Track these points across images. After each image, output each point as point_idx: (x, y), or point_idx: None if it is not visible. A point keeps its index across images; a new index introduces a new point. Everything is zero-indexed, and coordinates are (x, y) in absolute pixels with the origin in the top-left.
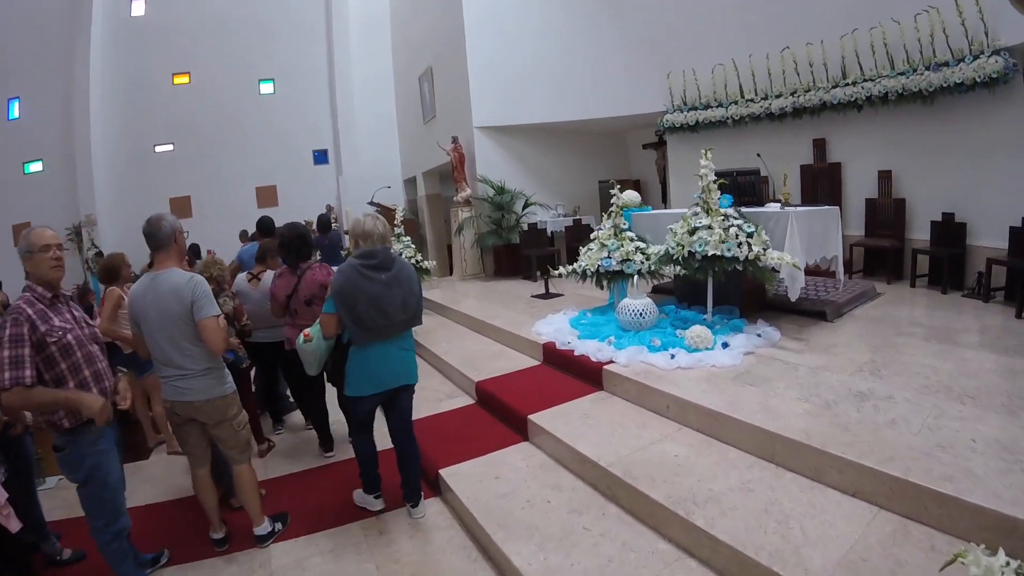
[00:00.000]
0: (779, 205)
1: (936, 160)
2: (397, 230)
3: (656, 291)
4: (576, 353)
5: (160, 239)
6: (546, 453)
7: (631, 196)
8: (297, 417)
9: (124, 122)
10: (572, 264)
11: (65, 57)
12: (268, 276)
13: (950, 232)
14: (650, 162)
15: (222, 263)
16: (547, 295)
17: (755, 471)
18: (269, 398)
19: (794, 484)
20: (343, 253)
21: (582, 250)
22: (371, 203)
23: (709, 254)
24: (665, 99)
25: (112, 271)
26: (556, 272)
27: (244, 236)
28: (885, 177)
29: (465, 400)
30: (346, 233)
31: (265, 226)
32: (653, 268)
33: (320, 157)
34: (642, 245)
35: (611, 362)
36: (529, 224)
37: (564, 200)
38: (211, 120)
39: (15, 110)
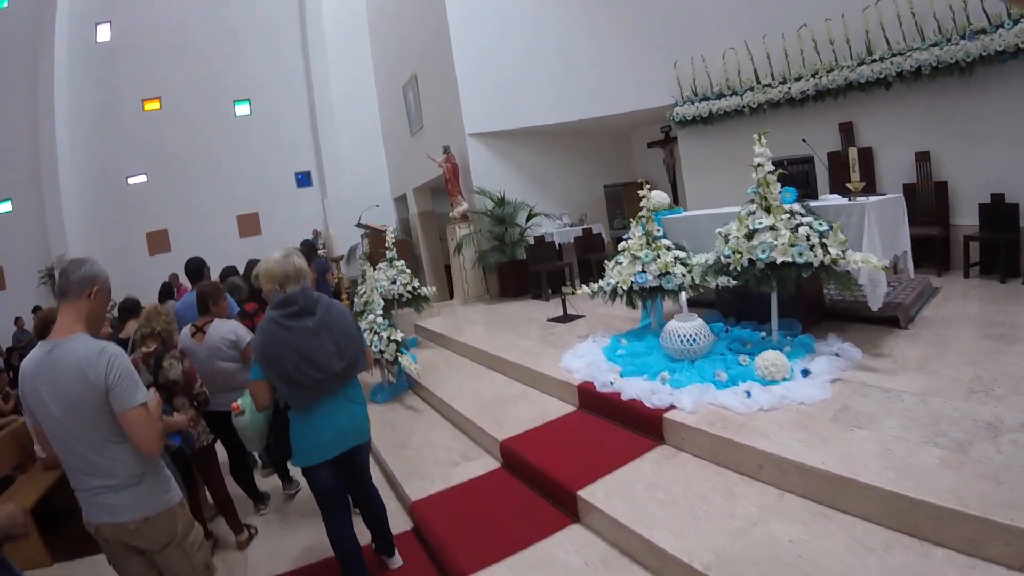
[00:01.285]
0: (840, 196)
1: (978, 137)
2: (389, 253)
3: (691, 304)
4: (624, 397)
5: (68, 286)
6: (607, 541)
7: (660, 198)
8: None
9: (94, 154)
10: (597, 282)
11: (28, 89)
12: (216, 327)
13: (1001, 214)
14: (657, 161)
15: (168, 313)
16: (566, 318)
17: (897, 552)
18: (243, 475)
19: (949, 565)
20: (329, 281)
21: (609, 264)
22: (359, 225)
23: (778, 261)
24: (673, 91)
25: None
26: (577, 291)
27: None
28: (923, 159)
29: (487, 462)
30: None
31: (193, 268)
32: (697, 281)
33: (303, 179)
34: (681, 254)
35: (672, 408)
36: (535, 237)
37: (569, 209)
38: (185, 146)
39: None
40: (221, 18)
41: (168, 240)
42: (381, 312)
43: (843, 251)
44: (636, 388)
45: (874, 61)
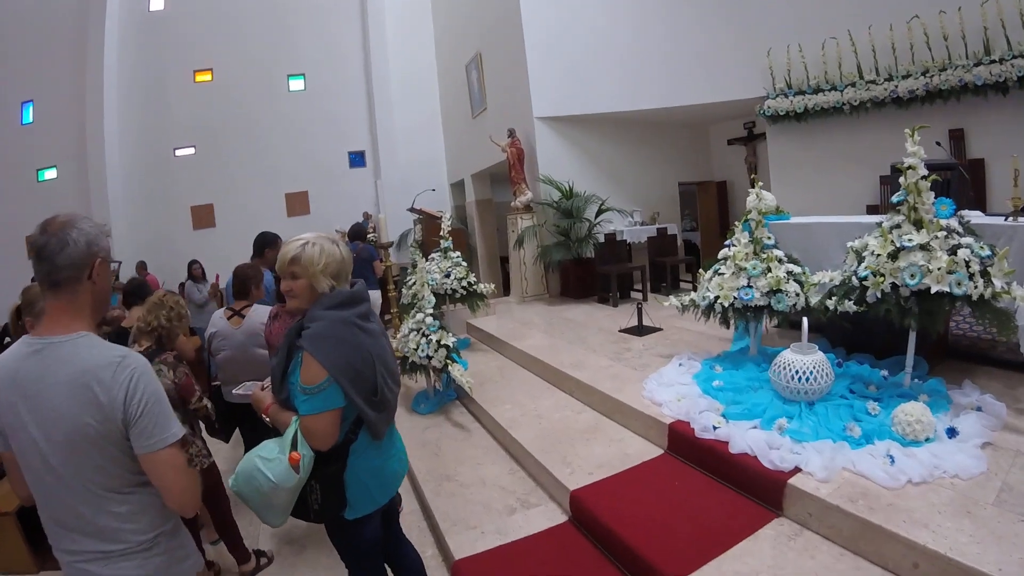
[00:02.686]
0: (982, 214)
1: None
2: (444, 243)
3: (788, 326)
4: (733, 449)
5: (56, 273)
6: None
7: (770, 199)
8: None
9: (142, 124)
10: (690, 294)
11: (78, 57)
12: (255, 312)
13: None
14: (737, 160)
15: (177, 306)
16: (640, 330)
17: None
18: None
19: None
20: (377, 269)
21: (705, 275)
22: (412, 210)
23: (932, 290)
24: (762, 82)
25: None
26: (664, 302)
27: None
28: None
29: (551, 512)
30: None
31: (261, 243)
32: (813, 304)
33: (356, 159)
34: (795, 269)
35: (797, 471)
36: (606, 235)
37: (640, 205)
38: (236, 120)
39: (30, 114)
40: None
41: (213, 215)
42: (431, 311)
43: (1008, 283)
44: (749, 439)
45: (992, 62)
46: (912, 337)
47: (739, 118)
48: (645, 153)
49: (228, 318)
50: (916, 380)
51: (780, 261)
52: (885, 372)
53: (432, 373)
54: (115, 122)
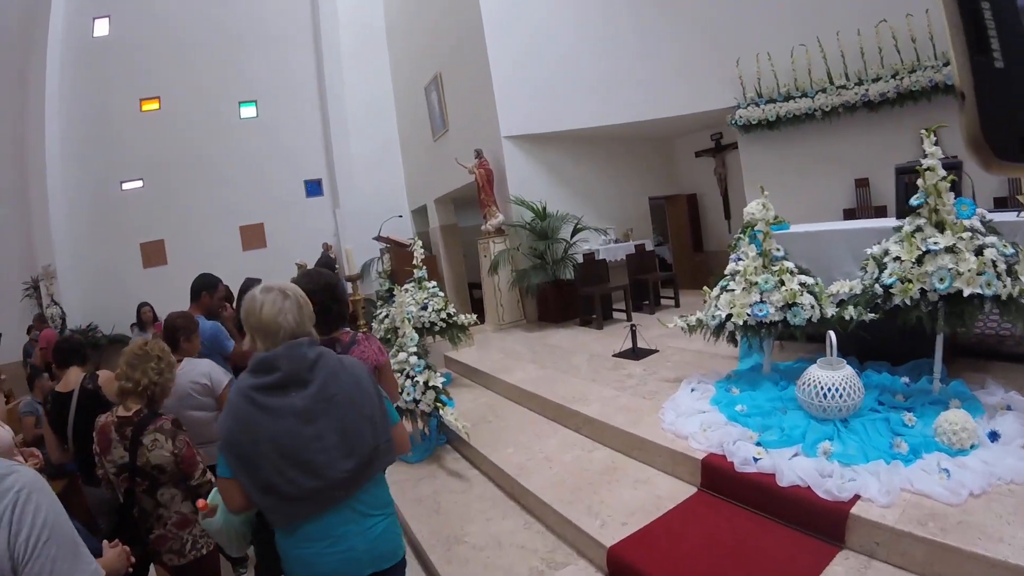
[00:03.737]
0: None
1: None
2: (418, 272)
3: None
4: (783, 483)
5: None
6: None
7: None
8: None
9: (86, 156)
10: (695, 313)
11: (17, 85)
12: (187, 368)
13: None
14: (705, 172)
15: (164, 356)
16: (635, 353)
17: None
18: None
19: None
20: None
21: (711, 292)
22: (378, 238)
23: (965, 293)
24: (733, 91)
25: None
26: (668, 324)
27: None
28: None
29: (583, 572)
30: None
31: (198, 287)
32: (830, 315)
33: (313, 188)
34: (808, 281)
35: (857, 498)
36: (584, 255)
37: (612, 223)
38: (185, 150)
39: None
40: (227, 15)
41: (164, 252)
42: (415, 349)
43: None
44: (798, 469)
45: None
46: (939, 341)
47: (705, 129)
48: (615, 169)
49: None
50: (942, 385)
51: (792, 273)
52: (906, 379)
53: (421, 417)
54: (57, 154)
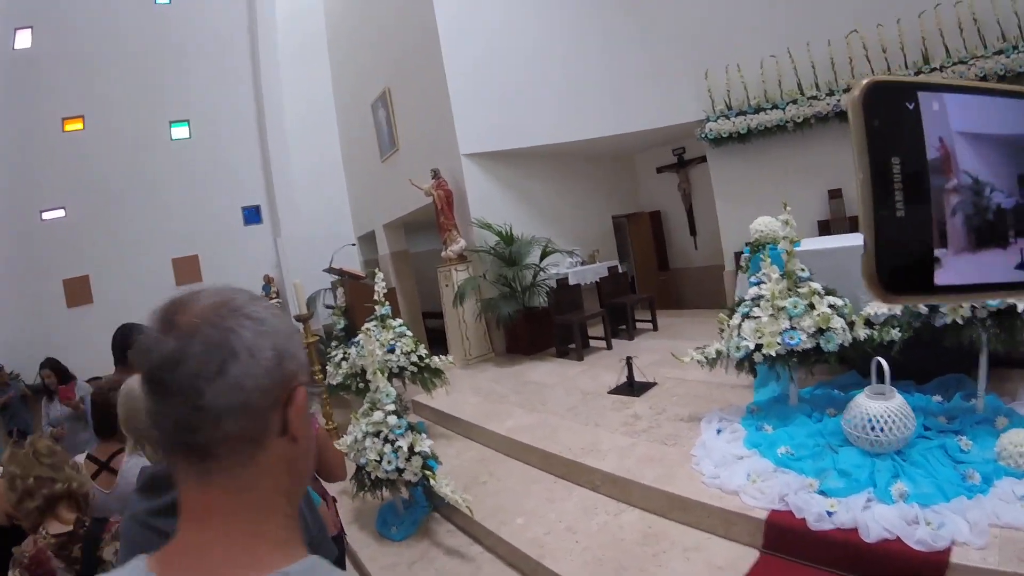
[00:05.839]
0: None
1: None
2: (382, 309)
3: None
4: (870, 538)
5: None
6: None
7: (773, 225)
8: None
9: (1, 182)
10: (713, 344)
11: None
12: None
13: None
14: (668, 188)
15: (54, 452)
16: (632, 388)
17: None
18: None
19: None
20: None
21: (730, 321)
22: (329, 270)
23: (1019, 308)
24: (701, 104)
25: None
26: (683, 359)
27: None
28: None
29: None
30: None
31: (121, 345)
32: (867, 337)
33: (251, 215)
34: (837, 302)
35: (952, 545)
36: (558, 280)
37: (577, 244)
38: (112, 176)
39: None
40: (159, 29)
41: (90, 289)
42: (394, 407)
43: None
44: (880, 519)
45: (933, 70)
46: (984, 358)
47: (667, 144)
48: (578, 187)
49: (93, 475)
50: (973, 401)
51: (819, 295)
52: (938, 397)
53: (402, 485)
54: None
